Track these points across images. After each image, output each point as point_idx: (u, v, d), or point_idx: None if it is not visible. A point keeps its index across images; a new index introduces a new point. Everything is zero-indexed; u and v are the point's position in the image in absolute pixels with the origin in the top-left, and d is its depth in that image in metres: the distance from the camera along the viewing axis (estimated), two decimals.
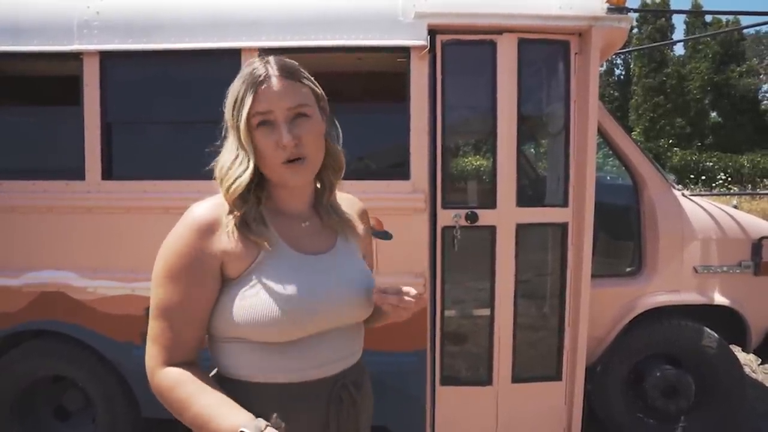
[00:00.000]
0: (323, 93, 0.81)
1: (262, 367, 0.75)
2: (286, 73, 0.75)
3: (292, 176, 0.75)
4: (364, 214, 0.93)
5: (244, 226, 0.74)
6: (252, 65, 0.75)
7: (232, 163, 0.74)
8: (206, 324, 0.76)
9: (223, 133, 0.78)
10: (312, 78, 0.80)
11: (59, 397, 2.11)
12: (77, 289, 1.91)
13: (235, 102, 0.73)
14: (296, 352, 0.75)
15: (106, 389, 1.99)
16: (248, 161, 0.73)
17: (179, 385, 0.71)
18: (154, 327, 0.74)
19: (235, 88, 0.75)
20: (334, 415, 0.78)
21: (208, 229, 0.73)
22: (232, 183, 0.73)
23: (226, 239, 0.74)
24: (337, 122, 0.84)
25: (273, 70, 0.74)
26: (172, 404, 0.72)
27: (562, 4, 1.82)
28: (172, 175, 1.86)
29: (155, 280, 0.74)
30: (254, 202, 0.76)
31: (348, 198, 0.92)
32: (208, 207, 0.76)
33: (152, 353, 0.74)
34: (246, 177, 0.73)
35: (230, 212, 0.75)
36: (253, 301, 0.72)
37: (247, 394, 0.75)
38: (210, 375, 0.82)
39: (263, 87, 0.72)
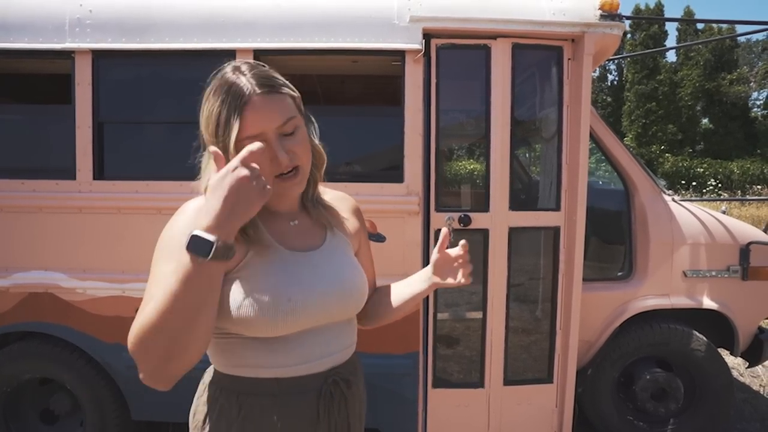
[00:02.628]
0: (297, 92, 0.78)
1: (254, 362, 0.75)
2: (267, 87, 0.71)
3: (290, 188, 0.77)
4: (356, 211, 0.94)
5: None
6: (225, 79, 0.71)
7: None
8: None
9: (202, 145, 0.75)
10: (284, 80, 0.76)
11: (46, 400, 2.07)
12: (66, 290, 1.88)
13: (218, 125, 0.70)
14: (287, 348, 0.76)
15: (95, 392, 1.96)
16: None
17: (140, 313, 0.65)
18: (143, 304, 0.68)
19: (215, 108, 0.70)
20: (324, 411, 0.78)
21: None
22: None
23: None
24: (312, 118, 0.83)
25: (253, 87, 0.70)
26: (152, 323, 0.62)
27: (555, 11, 1.84)
28: (165, 176, 1.85)
29: (155, 262, 0.71)
30: None
31: (339, 195, 0.93)
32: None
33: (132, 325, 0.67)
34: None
35: None
36: (246, 298, 0.72)
37: (240, 389, 0.76)
38: (206, 371, 0.83)
39: (249, 108, 0.69)
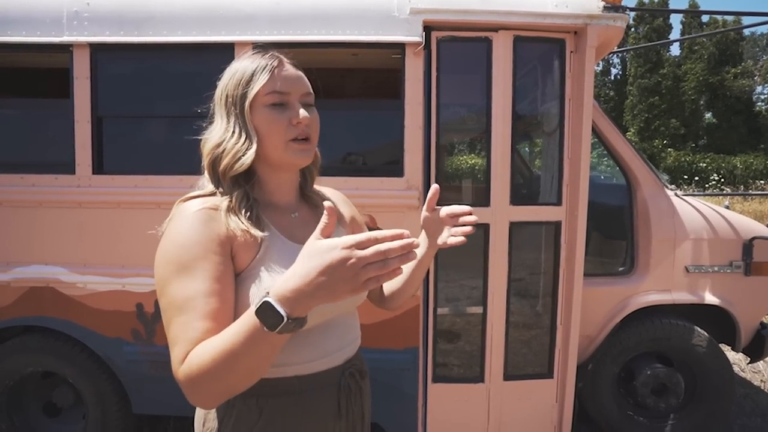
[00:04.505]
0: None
1: (274, 361, 0.73)
2: (295, 63, 0.79)
3: (299, 153, 0.76)
4: (347, 201, 0.97)
5: (241, 215, 0.72)
6: (256, 52, 0.77)
7: (232, 138, 0.74)
8: (232, 307, 0.68)
9: (213, 114, 0.78)
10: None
11: (49, 394, 2.09)
12: (67, 285, 1.88)
13: (242, 79, 0.74)
14: (307, 343, 0.75)
15: (97, 385, 1.97)
16: (252, 140, 0.73)
17: (202, 349, 0.61)
18: (173, 328, 0.65)
19: (241, 67, 0.75)
20: (344, 404, 0.79)
21: (211, 219, 0.71)
22: (235, 159, 0.73)
23: (229, 231, 0.71)
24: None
25: (284, 58, 0.77)
26: (209, 371, 0.59)
27: (558, 2, 1.81)
28: (164, 170, 1.84)
29: (165, 280, 0.67)
30: (242, 193, 0.75)
31: (328, 189, 0.95)
32: (203, 200, 0.73)
33: (176, 354, 0.63)
34: (251, 155, 0.73)
35: (228, 208, 0.73)
36: (263, 294, 0.71)
37: (258, 392, 0.74)
38: None
39: (279, 69, 0.74)
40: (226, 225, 0.71)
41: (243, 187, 0.75)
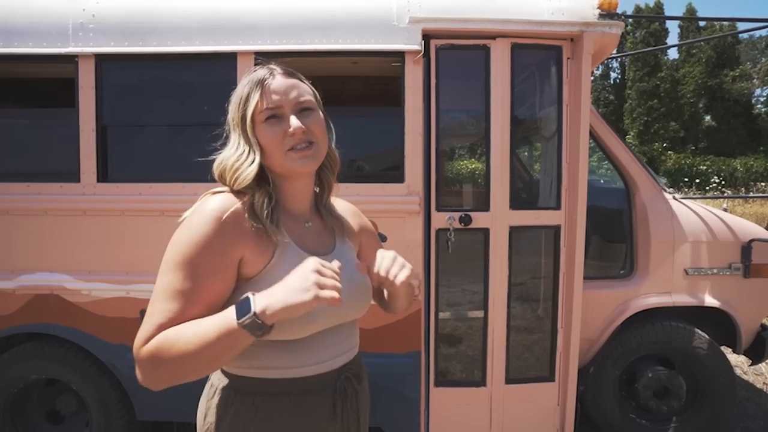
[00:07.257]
0: (319, 97, 0.85)
1: (272, 364, 0.77)
2: (289, 72, 0.81)
3: (298, 161, 0.78)
4: (358, 214, 0.98)
5: (262, 216, 0.76)
6: (255, 69, 0.81)
7: (239, 157, 0.77)
8: (206, 311, 0.73)
9: (225, 133, 0.82)
10: (309, 84, 0.84)
11: (52, 401, 2.10)
12: (72, 292, 1.90)
13: (240, 100, 0.78)
14: (306, 348, 0.78)
15: (100, 392, 1.98)
16: (255, 155, 0.77)
17: (175, 332, 0.68)
18: (154, 307, 0.71)
19: (240, 88, 0.79)
20: (339, 407, 0.81)
21: (229, 221, 0.74)
22: (240, 175, 0.77)
23: (246, 234, 0.74)
24: (331, 124, 0.88)
25: (276, 70, 0.79)
26: (165, 357, 0.67)
27: (554, 10, 1.84)
28: (168, 178, 1.87)
29: (166, 265, 0.72)
30: (265, 195, 0.78)
31: (341, 201, 0.97)
32: (226, 199, 0.76)
33: (145, 329, 0.69)
34: (253, 168, 0.76)
35: (251, 207, 0.77)
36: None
37: (256, 391, 0.77)
38: (213, 373, 0.84)
39: (268, 83, 0.77)
40: (247, 226, 0.74)
41: (266, 188, 0.79)
